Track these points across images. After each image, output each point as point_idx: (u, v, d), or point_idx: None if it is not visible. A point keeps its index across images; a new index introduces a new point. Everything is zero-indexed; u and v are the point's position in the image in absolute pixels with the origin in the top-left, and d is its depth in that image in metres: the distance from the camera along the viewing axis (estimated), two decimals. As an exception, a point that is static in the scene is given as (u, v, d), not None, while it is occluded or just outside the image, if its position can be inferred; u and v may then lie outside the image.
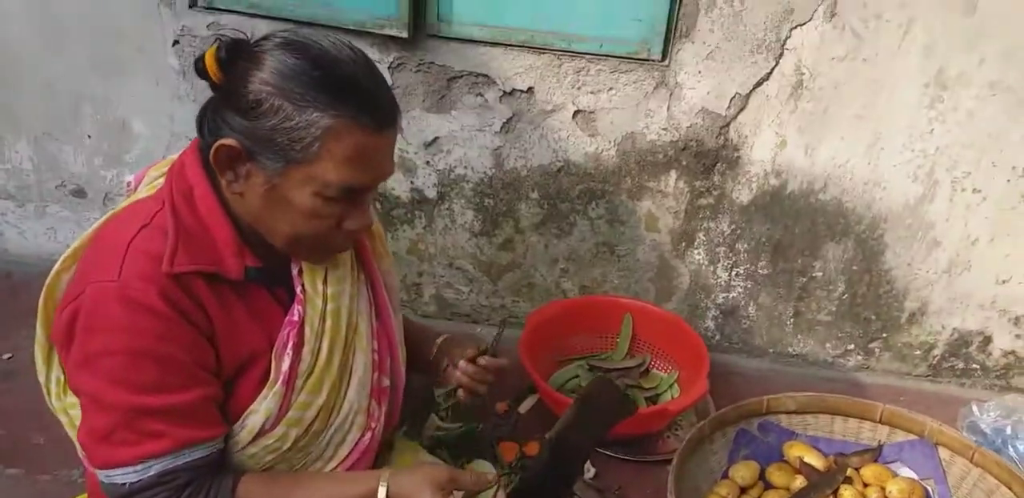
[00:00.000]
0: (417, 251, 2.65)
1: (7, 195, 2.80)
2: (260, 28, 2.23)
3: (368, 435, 1.55)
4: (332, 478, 1.47)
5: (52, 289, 1.43)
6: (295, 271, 1.43)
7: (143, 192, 1.44)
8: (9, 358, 2.45)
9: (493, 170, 2.46)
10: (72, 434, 1.46)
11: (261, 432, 1.38)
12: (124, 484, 1.27)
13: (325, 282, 1.46)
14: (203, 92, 2.38)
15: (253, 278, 1.35)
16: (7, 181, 2.77)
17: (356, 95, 1.23)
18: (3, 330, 2.52)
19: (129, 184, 1.52)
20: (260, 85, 1.21)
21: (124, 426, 1.26)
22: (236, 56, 1.25)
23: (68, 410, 1.46)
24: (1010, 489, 1.85)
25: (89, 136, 2.63)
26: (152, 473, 1.27)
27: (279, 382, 1.37)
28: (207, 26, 2.37)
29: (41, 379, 1.48)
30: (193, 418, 1.30)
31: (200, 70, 1.27)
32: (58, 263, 1.43)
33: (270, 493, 1.38)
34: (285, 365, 1.38)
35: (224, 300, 1.34)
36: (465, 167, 2.47)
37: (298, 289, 1.42)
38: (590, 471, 2.13)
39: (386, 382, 1.61)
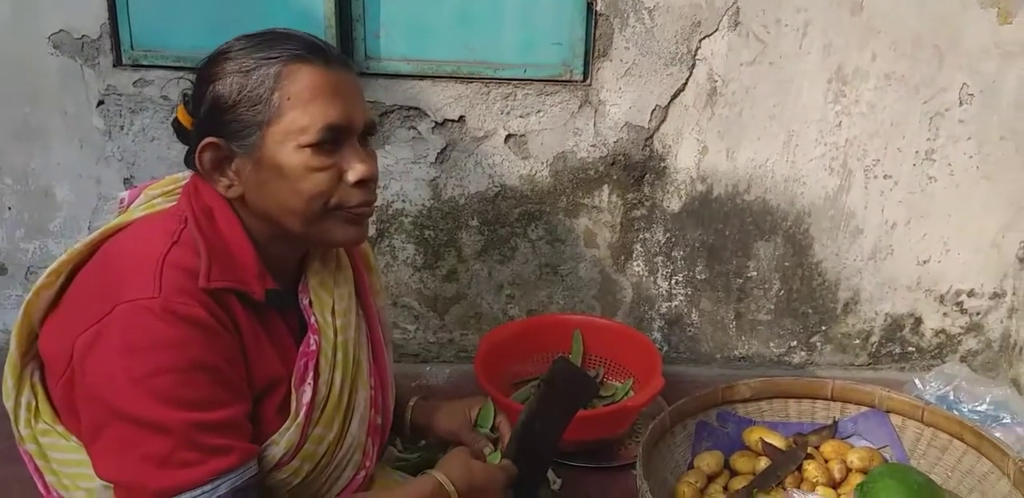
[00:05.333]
0: (360, 293, 2.64)
1: (-81, 285, 2.65)
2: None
3: (362, 474, 1.52)
4: (389, 491, 1.53)
5: (31, 306, 1.35)
6: (305, 302, 1.42)
7: (139, 211, 1.42)
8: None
9: (431, 201, 2.51)
10: (42, 465, 1.35)
11: (278, 465, 1.34)
12: None
13: (333, 314, 1.46)
14: (130, 151, 2.45)
15: (271, 302, 1.34)
16: (-81, 269, 2.64)
17: (295, 40, 1.28)
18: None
19: (122, 201, 1.49)
20: (215, 85, 1.27)
21: (185, 445, 1.17)
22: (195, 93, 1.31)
23: (39, 437, 1.34)
24: (962, 441, 1.92)
25: (9, 208, 2.56)
26: (223, 492, 1.19)
27: (301, 414, 1.35)
28: (133, 83, 2.39)
29: (8, 404, 1.36)
30: (247, 432, 1.27)
31: (179, 128, 1.33)
32: (40, 279, 1.35)
33: None
34: (306, 397, 1.36)
35: (250, 320, 1.32)
36: (403, 201, 2.51)
37: (311, 319, 1.42)
38: (556, 482, 2.12)
39: (379, 420, 1.59)
